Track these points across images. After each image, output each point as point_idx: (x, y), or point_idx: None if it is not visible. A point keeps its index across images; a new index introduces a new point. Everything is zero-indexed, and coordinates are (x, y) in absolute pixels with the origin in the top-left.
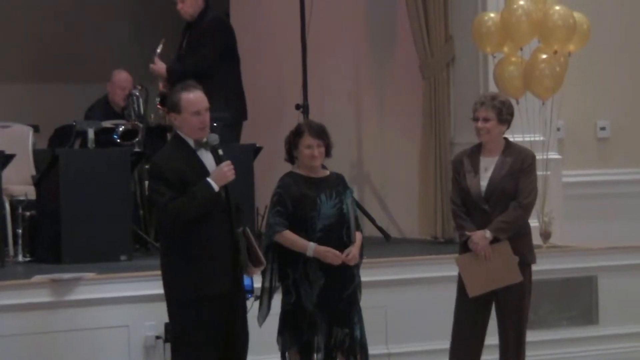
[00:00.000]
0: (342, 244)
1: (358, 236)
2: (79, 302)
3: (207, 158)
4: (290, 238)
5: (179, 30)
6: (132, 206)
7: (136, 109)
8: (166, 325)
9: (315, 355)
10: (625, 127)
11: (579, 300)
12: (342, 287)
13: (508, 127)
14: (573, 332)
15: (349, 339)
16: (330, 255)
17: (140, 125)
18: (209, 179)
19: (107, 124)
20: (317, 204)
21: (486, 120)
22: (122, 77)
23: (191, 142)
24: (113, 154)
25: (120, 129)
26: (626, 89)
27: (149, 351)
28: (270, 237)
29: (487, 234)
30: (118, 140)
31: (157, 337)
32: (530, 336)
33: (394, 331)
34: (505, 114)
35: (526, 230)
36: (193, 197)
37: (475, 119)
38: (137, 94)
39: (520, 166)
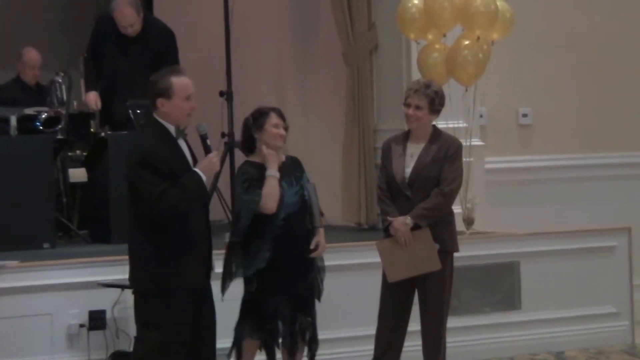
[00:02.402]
0: (306, 231)
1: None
2: (1, 290)
3: (183, 147)
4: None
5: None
6: (55, 194)
7: (59, 95)
8: (90, 313)
9: (279, 340)
10: (546, 114)
11: (501, 286)
12: (305, 272)
13: (437, 116)
14: (495, 317)
15: (311, 329)
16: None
17: (63, 112)
18: (196, 170)
19: (30, 110)
20: (280, 193)
21: (418, 108)
22: (31, 55)
23: (172, 130)
24: (35, 141)
25: (43, 116)
26: (548, 77)
27: (72, 339)
28: (253, 209)
29: (408, 220)
30: (40, 127)
31: (81, 325)
32: (453, 322)
33: (319, 318)
34: (437, 105)
35: (449, 219)
36: (188, 189)
37: (407, 105)
38: (60, 80)
39: (444, 154)
